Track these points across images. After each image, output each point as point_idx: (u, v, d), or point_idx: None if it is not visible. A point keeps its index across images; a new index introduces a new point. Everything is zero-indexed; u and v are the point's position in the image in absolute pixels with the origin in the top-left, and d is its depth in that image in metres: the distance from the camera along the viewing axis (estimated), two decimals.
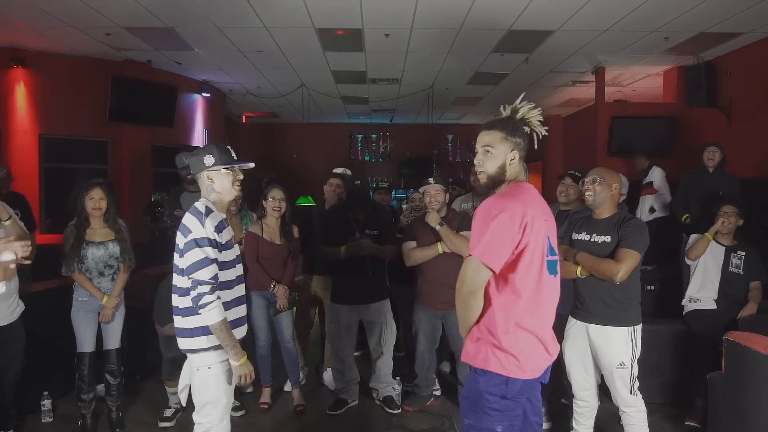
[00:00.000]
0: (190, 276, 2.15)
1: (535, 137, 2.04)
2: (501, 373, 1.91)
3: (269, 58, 7.21)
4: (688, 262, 3.85)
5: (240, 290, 2.41)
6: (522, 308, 1.91)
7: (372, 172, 12.04)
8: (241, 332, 2.39)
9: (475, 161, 2.04)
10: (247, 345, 4.14)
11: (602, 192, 2.79)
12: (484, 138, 2.01)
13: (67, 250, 3.27)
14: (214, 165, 2.27)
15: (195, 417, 2.29)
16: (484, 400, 1.93)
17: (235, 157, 2.33)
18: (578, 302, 2.87)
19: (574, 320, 2.90)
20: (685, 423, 3.53)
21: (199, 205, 2.26)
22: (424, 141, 12.51)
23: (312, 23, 5.81)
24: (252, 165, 2.39)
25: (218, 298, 2.16)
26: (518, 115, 2.03)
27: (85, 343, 3.36)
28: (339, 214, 3.93)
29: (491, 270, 1.86)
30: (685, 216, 5.14)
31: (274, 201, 3.67)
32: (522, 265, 1.90)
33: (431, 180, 3.57)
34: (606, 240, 2.75)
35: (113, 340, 3.44)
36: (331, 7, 5.35)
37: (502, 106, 2.08)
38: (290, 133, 12.58)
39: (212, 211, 2.26)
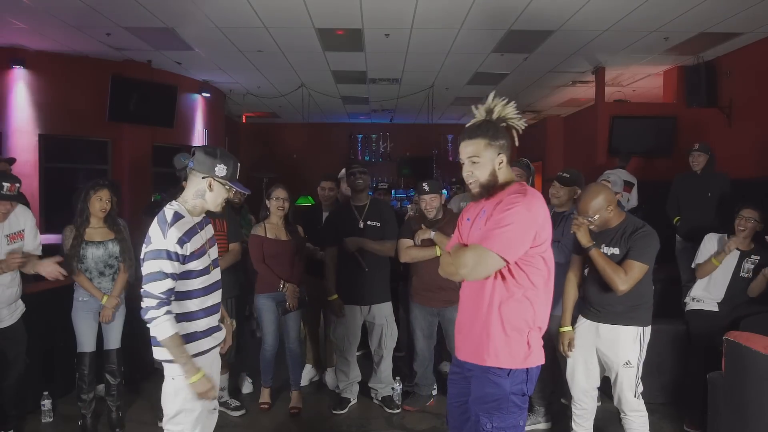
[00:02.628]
0: (143, 287, 2.06)
1: (515, 134, 2.00)
2: (521, 366, 1.93)
3: (269, 58, 7.21)
4: (695, 269, 3.75)
5: (214, 298, 2.32)
6: (535, 303, 1.95)
7: (372, 172, 12.01)
8: (212, 341, 2.30)
9: (464, 174, 1.97)
10: (253, 346, 4.18)
11: (601, 218, 2.75)
12: (467, 149, 1.95)
13: (66, 249, 3.27)
14: (224, 177, 2.18)
15: (166, 426, 2.20)
16: (509, 402, 1.93)
17: (237, 176, 2.27)
18: (590, 302, 2.86)
19: (584, 319, 2.89)
20: (685, 429, 3.52)
21: (167, 211, 2.14)
22: (424, 141, 12.50)
23: (312, 23, 5.81)
24: (249, 192, 2.38)
25: (167, 313, 2.05)
26: (494, 116, 1.97)
27: (86, 343, 3.36)
28: (342, 206, 3.98)
29: (505, 261, 1.87)
30: (676, 218, 5.16)
31: (278, 200, 3.68)
32: (544, 261, 1.95)
33: (426, 187, 3.54)
34: (614, 252, 2.74)
35: (113, 340, 3.44)
36: (331, 7, 5.35)
37: (474, 107, 2.00)
38: (290, 133, 12.58)
39: (181, 218, 2.14)
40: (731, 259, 3.60)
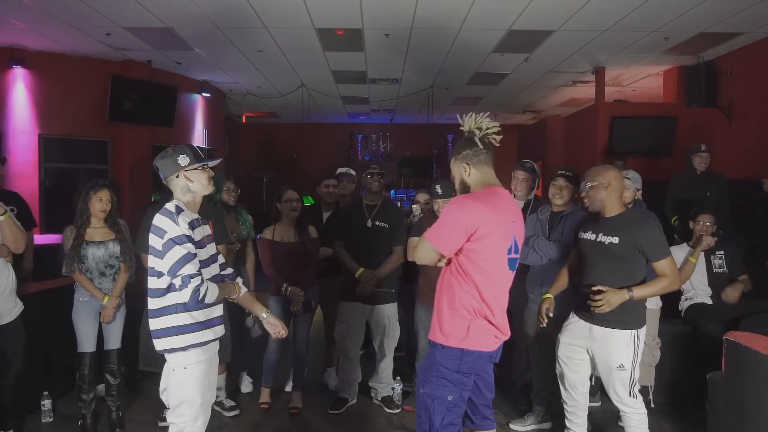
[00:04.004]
0: (177, 274, 2.13)
1: (477, 140, 2.25)
2: (457, 346, 2.16)
3: (269, 58, 7.21)
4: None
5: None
6: (483, 293, 2.17)
7: None
8: (211, 334, 2.33)
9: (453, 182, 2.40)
10: (253, 345, 4.18)
11: (597, 194, 2.73)
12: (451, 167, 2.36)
13: (66, 249, 3.27)
14: (190, 164, 2.24)
15: (169, 417, 2.27)
16: (438, 371, 2.19)
17: (202, 154, 2.34)
18: (583, 303, 2.83)
19: (577, 318, 2.88)
20: None
21: (169, 205, 2.23)
22: (424, 141, 12.51)
23: (312, 23, 5.81)
24: (220, 159, 2.50)
25: (203, 282, 2.19)
26: (465, 128, 2.28)
27: (86, 343, 3.36)
28: (353, 203, 4.00)
29: (439, 251, 2.17)
30: (674, 218, 5.17)
31: (290, 203, 3.68)
32: (486, 256, 2.15)
33: (439, 190, 3.43)
34: (613, 241, 2.69)
35: (114, 340, 3.43)
36: (331, 7, 5.35)
37: (461, 127, 2.30)
38: (290, 133, 12.59)
39: (183, 210, 2.23)
40: (701, 262, 3.87)
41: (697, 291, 3.94)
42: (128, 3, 5.17)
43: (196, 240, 2.23)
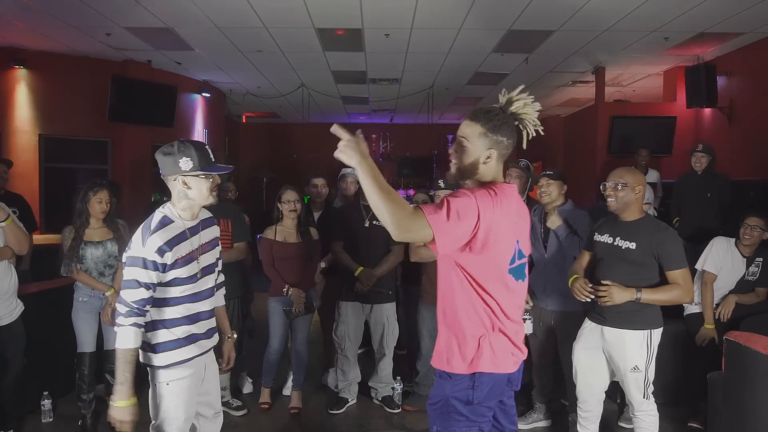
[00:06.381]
0: (120, 290, 1.99)
1: (525, 136, 1.84)
2: (467, 372, 1.77)
3: (269, 58, 7.21)
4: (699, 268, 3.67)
5: (204, 305, 2.20)
6: (494, 305, 1.78)
7: None
8: (196, 349, 2.16)
9: (450, 150, 1.86)
10: (253, 346, 4.18)
11: (625, 197, 2.66)
12: (464, 129, 1.81)
13: (65, 250, 3.27)
14: (192, 170, 2.02)
15: (152, 430, 2.14)
16: (450, 404, 1.80)
17: (213, 158, 2.10)
18: (593, 307, 2.81)
19: (589, 322, 2.85)
20: (688, 424, 3.52)
21: (156, 215, 2.05)
22: (424, 141, 12.51)
23: (312, 23, 5.81)
24: (231, 168, 2.19)
25: (134, 324, 1.96)
26: (511, 108, 1.81)
27: (86, 344, 3.36)
28: (350, 204, 3.99)
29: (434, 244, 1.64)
30: (675, 219, 5.17)
31: (289, 203, 3.66)
32: (488, 269, 1.75)
33: (442, 184, 3.53)
34: (630, 247, 2.64)
35: (114, 340, 3.41)
36: (331, 7, 5.35)
37: (500, 93, 1.86)
38: (290, 133, 12.58)
39: (170, 223, 2.04)
40: (739, 269, 3.56)
41: (715, 294, 3.62)
42: (128, 3, 5.17)
43: (170, 261, 2.01)
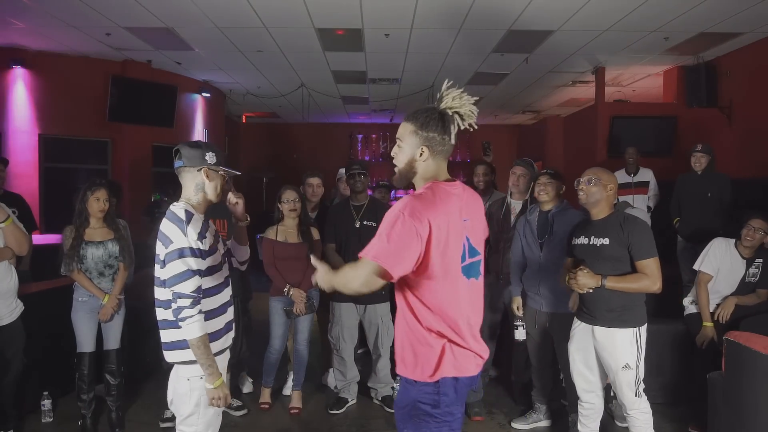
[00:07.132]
0: (171, 288, 2.03)
1: (455, 128, 1.80)
2: (430, 380, 1.78)
3: (269, 58, 7.21)
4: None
5: (227, 294, 2.30)
6: (443, 314, 1.77)
7: (372, 172, 12.03)
8: (219, 344, 2.22)
9: (392, 153, 1.89)
10: (253, 345, 4.17)
11: (596, 193, 2.75)
12: (399, 130, 1.85)
13: (65, 249, 3.27)
14: (216, 164, 2.16)
15: (179, 426, 2.19)
16: (417, 407, 1.80)
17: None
18: (583, 305, 2.85)
19: (579, 322, 2.88)
20: (689, 430, 3.51)
21: (178, 210, 2.10)
22: None
23: (312, 23, 5.81)
24: (239, 173, 2.40)
25: (200, 312, 2.04)
26: (442, 104, 1.81)
27: (85, 343, 3.36)
28: (340, 204, 3.99)
29: (391, 276, 1.69)
30: (675, 219, 5.17)
31: (289, 203, 3.67)
32: (436, 271, 1.74)
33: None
34: (604, 242, 2.72)
35: (113, 340, 3.43)
36: (331, 7, 5.35)
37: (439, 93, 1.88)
38: (290, 133, 12.58)
39: (193, 215, 2.12)
40: (739, 270, 3.56)
41: (712, 298, 3.62)
42: (128, 3, 5.17)
43: (206, 248, 2.12)
